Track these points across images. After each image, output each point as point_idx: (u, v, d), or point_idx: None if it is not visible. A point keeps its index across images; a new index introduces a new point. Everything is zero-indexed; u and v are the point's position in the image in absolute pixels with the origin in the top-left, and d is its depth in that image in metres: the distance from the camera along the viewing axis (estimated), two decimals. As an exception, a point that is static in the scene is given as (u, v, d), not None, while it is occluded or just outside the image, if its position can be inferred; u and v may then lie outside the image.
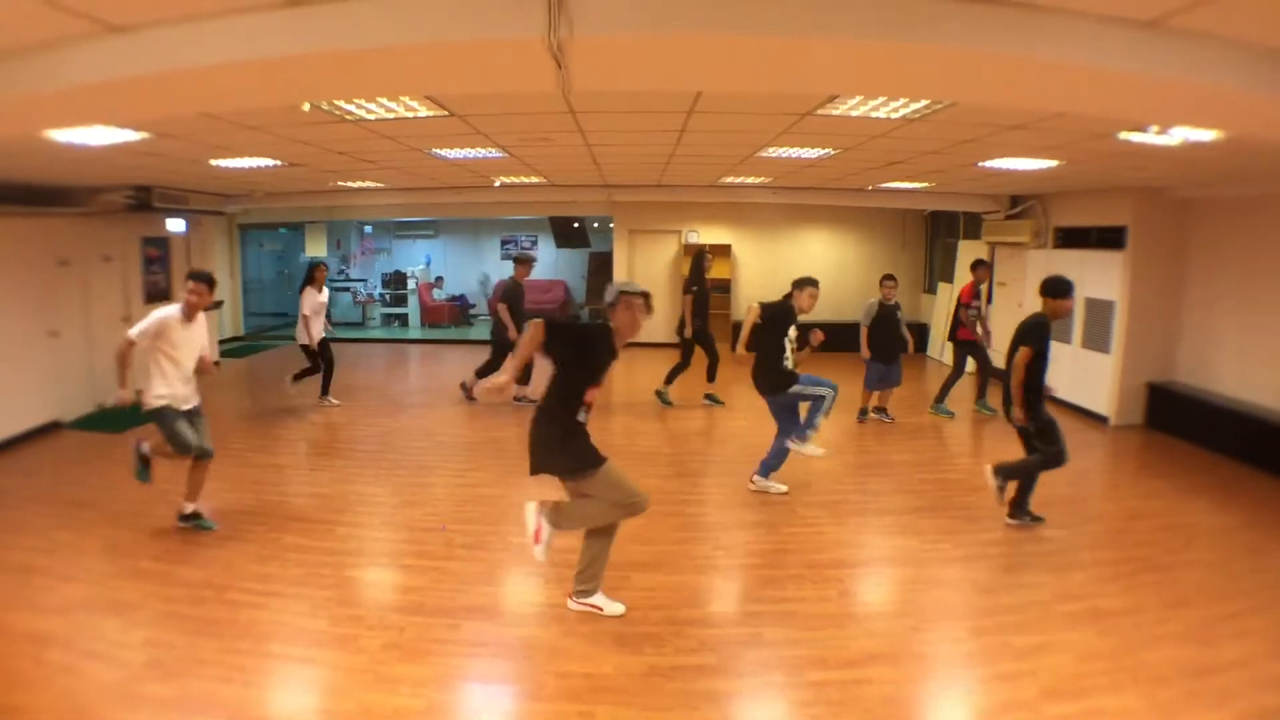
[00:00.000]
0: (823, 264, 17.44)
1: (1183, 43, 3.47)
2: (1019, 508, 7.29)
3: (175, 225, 13.61)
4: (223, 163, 9.05)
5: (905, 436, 10.44)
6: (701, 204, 16.75)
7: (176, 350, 6.77)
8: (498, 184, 13.52)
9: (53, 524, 7.06)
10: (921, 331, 17.25)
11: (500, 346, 11.87)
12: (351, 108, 5.96)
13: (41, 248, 10.41)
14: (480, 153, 9.00)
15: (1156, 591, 6.03)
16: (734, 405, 12.18)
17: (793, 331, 7.88)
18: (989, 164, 8.87)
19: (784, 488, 8.08)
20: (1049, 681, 4.79)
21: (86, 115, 5.23)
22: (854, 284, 17.59)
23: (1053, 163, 8.46)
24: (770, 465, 8.12)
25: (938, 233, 17.73)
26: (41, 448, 9.69)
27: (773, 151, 8.85)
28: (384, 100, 5.74)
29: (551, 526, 5.41)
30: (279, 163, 9.19)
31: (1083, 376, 11.82)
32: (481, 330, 20.72)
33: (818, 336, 8.22)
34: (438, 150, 8.73)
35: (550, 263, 23.50)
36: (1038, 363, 7.05)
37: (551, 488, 5.63)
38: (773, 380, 7.85)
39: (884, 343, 10.86)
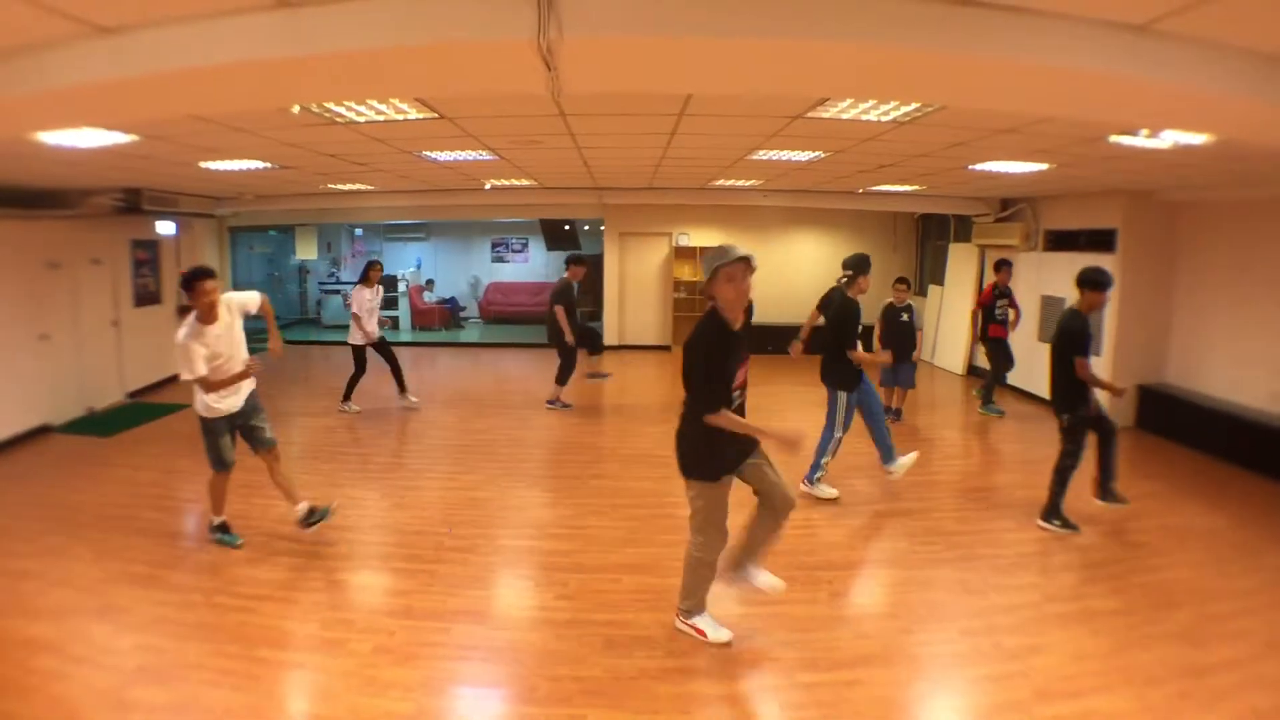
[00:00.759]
0: (814, 266, 17.46)
1: (1173, 47, 3.48)
2: (1053, 511, 7.33)
3: (165, 228, 13.57)
4: (212, 165, 9.02)
5: (899, 439, 10.42)
6: (693, 206, 16.76)
7: (216, 358, 6.60)
8: (488, 186, 13.52)
9: (42, 529, 7.03)
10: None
11: (561, 349, 11.90)
12: (341, 110, 5.94)
13: (31, 250, 10.36)
14: (470, 155, 8.98)
15: (1148, 592, 6.04)
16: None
17: None
18: (979, 167, 8.89)
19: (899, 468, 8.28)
20: (1041, 682, 4.80)
21: (75, 117, 5.21)
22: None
23: (1043, 166, 8.48)
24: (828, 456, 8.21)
25: (928, 235, 17.76)
26: (31, 452, 9.64)
27: (763, 154, 8.85)
28: (374, 102, 5.73)
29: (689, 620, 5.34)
30: (269, 165, 9.17)
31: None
32: (472, 333, 20.73)
33: (796, 349, 8.26)
34: (428, 153, 8.72)
35: (541, 265, 23.49)
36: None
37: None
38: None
39: (892, 344, 10.88)
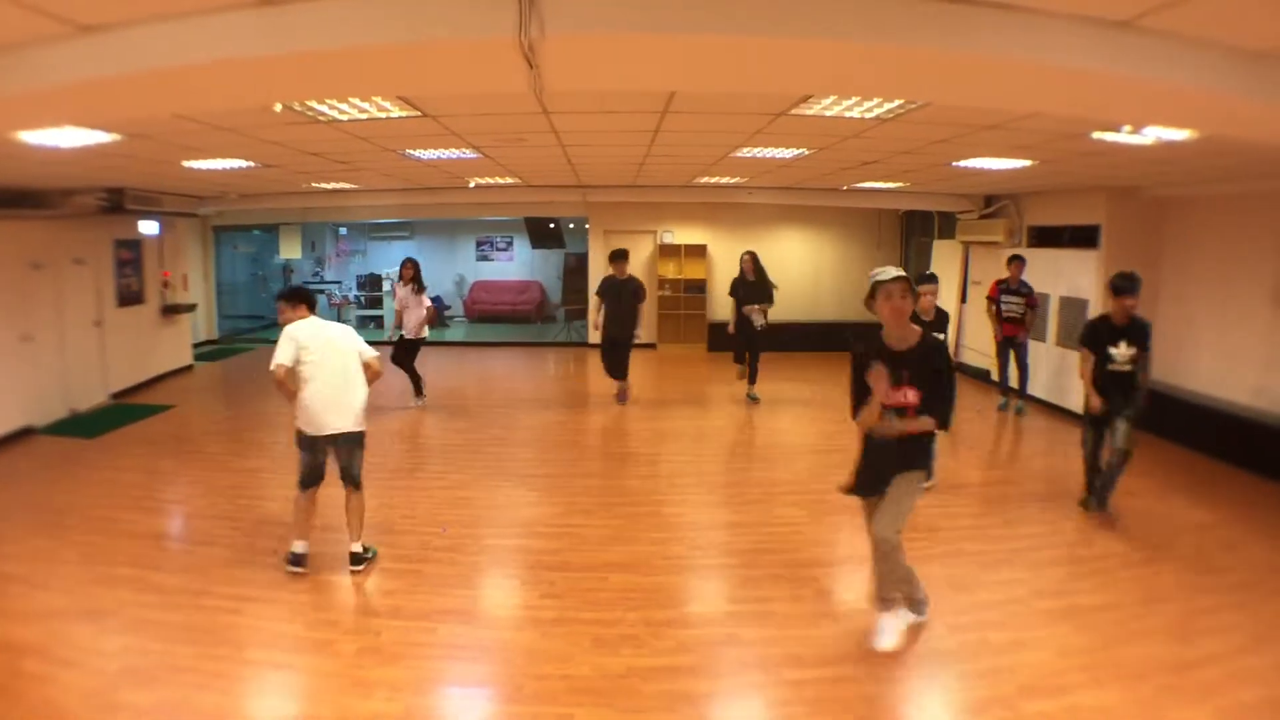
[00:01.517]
0: (798, 264, 17.51)
1: (1155, 43, 3.49)
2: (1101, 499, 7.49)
3: (148, 227, 13.49)
4: (195, 164, 8.98)
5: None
6: (677, 204, 16.73)
7: (303, 365, 6.22)
8: (472, 185, 13.49)
9: (27, 531, 6.98)
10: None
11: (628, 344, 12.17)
12: (324, 108, 5.92)
13: (13, 251, 10.29)
14: (454, 153, 8.97)
15: (1134, 587, 6.07)
16: (712, 406, 12.19)
17: None
18: (963, 164, 8.91)
19: None
20: (1027, 678, 4.81)
21: (57, 116, 5.18)
22: (829, 284, 17.69)
23: (1026, 162, 8.50)
24: None
25: (912, 232, 17.79)
26: (14, 454, 9.58)
27: (747, 151, 8.85)
28: (356, 101, 5.71)
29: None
30: (252, 164, 9.13)
31: (1058, 375, 11.88)
32: (457, 332, 20.70)
33: None
34: (411, 151, 8.70)
35: (526, 263, 23.46)
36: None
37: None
38: None
39: None
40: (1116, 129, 6.19)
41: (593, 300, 12.21)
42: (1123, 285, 7.13)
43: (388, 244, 23.44)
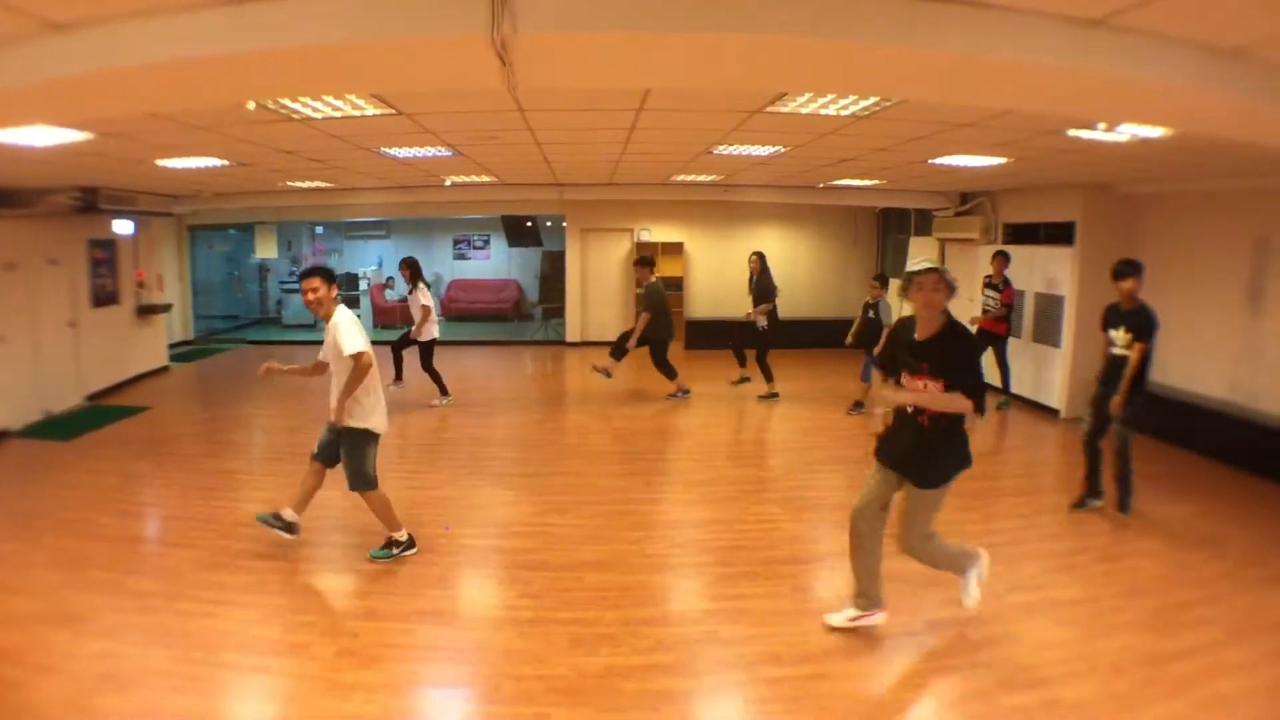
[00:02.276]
0: (775, 261, 17.33)
1: (1128, 41, 3.51)
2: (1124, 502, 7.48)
3: (123, 227, 13.37)
4: (169, 163, 8.91)
5: (863, 433, 10.50)
6: (654, 202, 16.77)
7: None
8: (449, 183, 13.45)
9: (1, 535, 6.91)
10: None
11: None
12: (298, 106, 5.88)
13: (-14, 252, 10.20)
14: (430, 151, 8.93)
15: (1110, 581, 6.11)
16: (689, 404, 12.19)
17: None
18: (938, 161, 8.94)
19: None
20: (1005, 672, 4.84)
21: (27, 115, 5.13)
22: (805, 280, 17.77)
23: (1002, 159, 8.54)
24: None
25: (889, 230, 17.88)
26: (-13, 457, 9.51)
27: (723, 149, 8.86)
28: (330, 99, 5.67)
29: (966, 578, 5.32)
30: (226, 162, 9.07)
31: (1035, 370, 11.97)
32: (440, 330, 20.65)
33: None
34: (387, 149, 8.66)
35: (503, 262, 23.40)
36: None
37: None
38: None
39: (867, 339, 10.98)
40: (1092, 126, 6.23)
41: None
42: (1118, 269, 7.17)
43: (364, 243, 23.35)
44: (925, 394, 4.83)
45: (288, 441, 10.30)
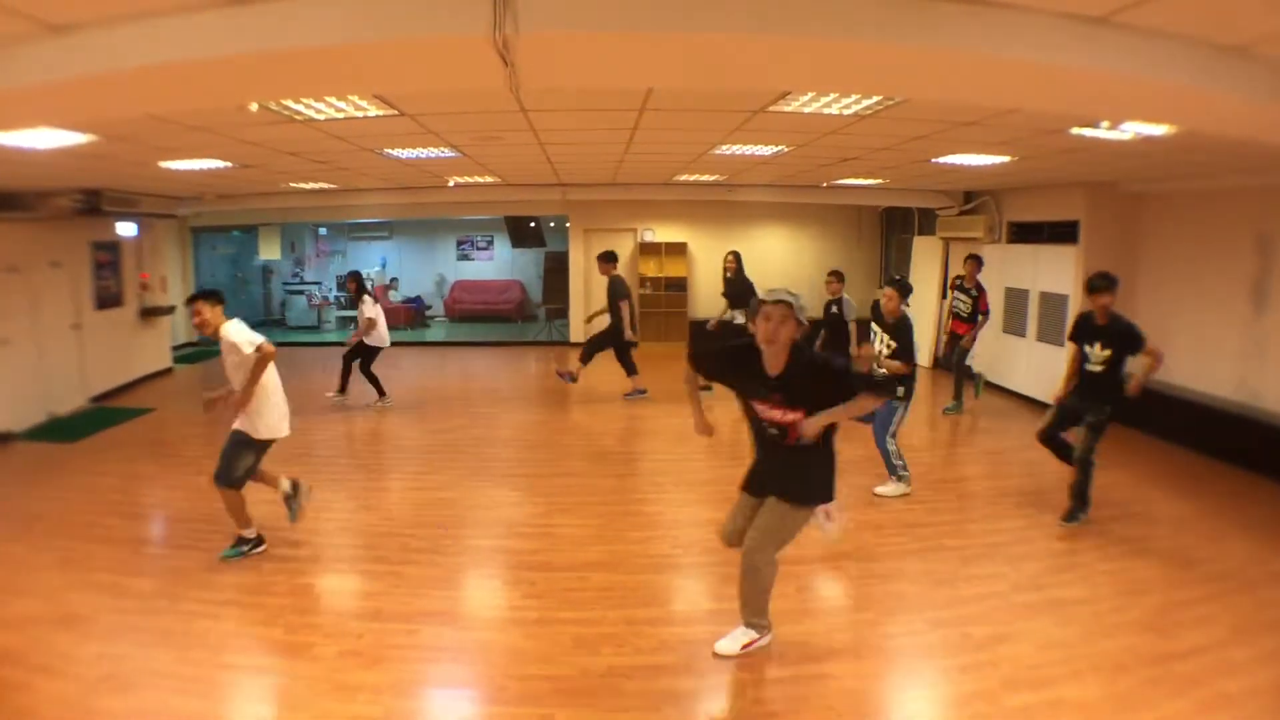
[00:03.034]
0: (779, 261, 17.53)
1: (1131, 39, 3.50)
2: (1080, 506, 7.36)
3: (126, 229, 13.40)
4: (172, 165, 8.92)
5: (863, 432, 10.48)
6: (657, 202, 16.75)
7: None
8: (452, 184, 13.46)
9: (3, 537, 6.93)
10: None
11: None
12: (300, 108, 5.88)
13: (-11, 254, 10.22)
14: (433, 152, 8.93)
15: (1114, 580, 6.10)
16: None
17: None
18: (942, 160, 8.94)
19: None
20: (1009, 672, 4.82)
21: (29, 118, 5.13)
22: (810, 280, 17.69)
23: (1005, 158, 8.53)
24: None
25: (893, 229, 17.85)
26: (-10, 458, 9.53)
27: (726, 149, 8.85)
28: (332, 100, 5.67)
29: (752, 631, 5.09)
30: (229, 164, 9.08)
31: (1038, 369, 11.93)
32: (438, 332, 20.66)
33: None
34: (389, 150, 8.66)
35: (506, 263, 23.41)
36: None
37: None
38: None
39: (830, 338, 10.98)
40: (1095, 125, 6.22)
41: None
42: (1094, 283, 7.05)
43: (367, 244, 23.38)
44: (840, 410, 4.59)
45: (291, 442, 10.28)
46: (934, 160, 9.02)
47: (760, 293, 4.85)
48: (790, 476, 4.85)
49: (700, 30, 3.16)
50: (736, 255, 12.74)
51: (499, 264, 23.59)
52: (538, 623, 5.45)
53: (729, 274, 12.76)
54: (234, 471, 6.39)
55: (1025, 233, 12.57)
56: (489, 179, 13.05)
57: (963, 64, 3.55)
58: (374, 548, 6.74)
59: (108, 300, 12.99)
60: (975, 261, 11.56)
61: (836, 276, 11.20)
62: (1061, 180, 10.97)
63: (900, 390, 7.64)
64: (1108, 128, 6.26)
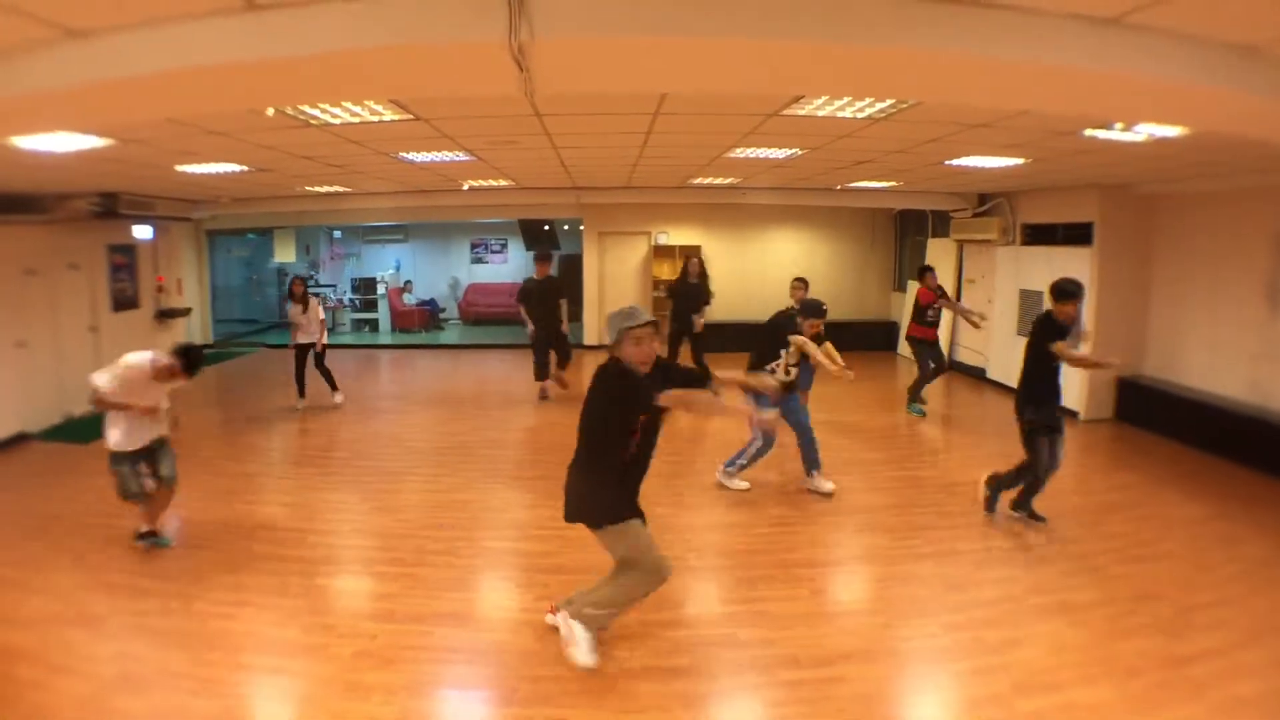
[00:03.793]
0: (793, 264, 17.47)
1: (1144, 39, 3.51)
2: (1022, 504, 7.36)
3: (142, 232, 13.49)
4: (188, 168, 8.98)
5: (875, 435, 10.48)
6: (671, 205, 16.71)
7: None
8: (466, 187, 13.50)
9: (21, 537, 6.99)
10: (891, 330, 17.41)
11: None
12: (316, 112, 5.91)
13: (7, 257, 10.29)
14: (448, 156, 8.96)
15: (1127, 583, 6.08)
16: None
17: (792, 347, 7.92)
18: (955, 162, 8.93)
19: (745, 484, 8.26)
20: (1021, 675, 4.82)
21: (48, 122, 5.17)
22: (824, 283, 17.67)
23: (1018, 160, 8.52)
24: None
25: (907, 231, 17.82)
26: (9, 459, 9.58)
27: (740, 152, 8.86)
28: (348, 104, 5.71)
29: (578, 622, 4.94)
30: (245, 168, 9.13)
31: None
32: (451, 335, 20.69)
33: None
34: (405, 154, 8.69)
35: (520, 265, 23.42)
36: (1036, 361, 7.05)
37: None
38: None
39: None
40: (1108, 126, 6.21)
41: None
42: (1068, 288, 6.84)
43: (382, 247, 23.43)
44: (700, 400, 4.94)
45: (305, 444, 10.34)
46: (947, 162, 9.01)
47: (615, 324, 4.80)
48: (573, 497, 5.20)
49: (713, 35, 3.18)
50: (700, 258, 12.73)
51: (513, 267, 23.60)
52: (550, 625, 5.46)
53: (692, 278, 12.71)
54: (119, 486, 6.66)
55: (1039, 235, 12.54)
56: (503, 182, 13.08)
57: (974, 66, 3.56)
58: (388, 549, 6.76)
59: (124, 302, 13.08)
60: (929, 272, 11.86)
61: (801, 282, 11.10)
62: (1075, 182, 10.94)
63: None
64: (1121, 129, 6.25)
